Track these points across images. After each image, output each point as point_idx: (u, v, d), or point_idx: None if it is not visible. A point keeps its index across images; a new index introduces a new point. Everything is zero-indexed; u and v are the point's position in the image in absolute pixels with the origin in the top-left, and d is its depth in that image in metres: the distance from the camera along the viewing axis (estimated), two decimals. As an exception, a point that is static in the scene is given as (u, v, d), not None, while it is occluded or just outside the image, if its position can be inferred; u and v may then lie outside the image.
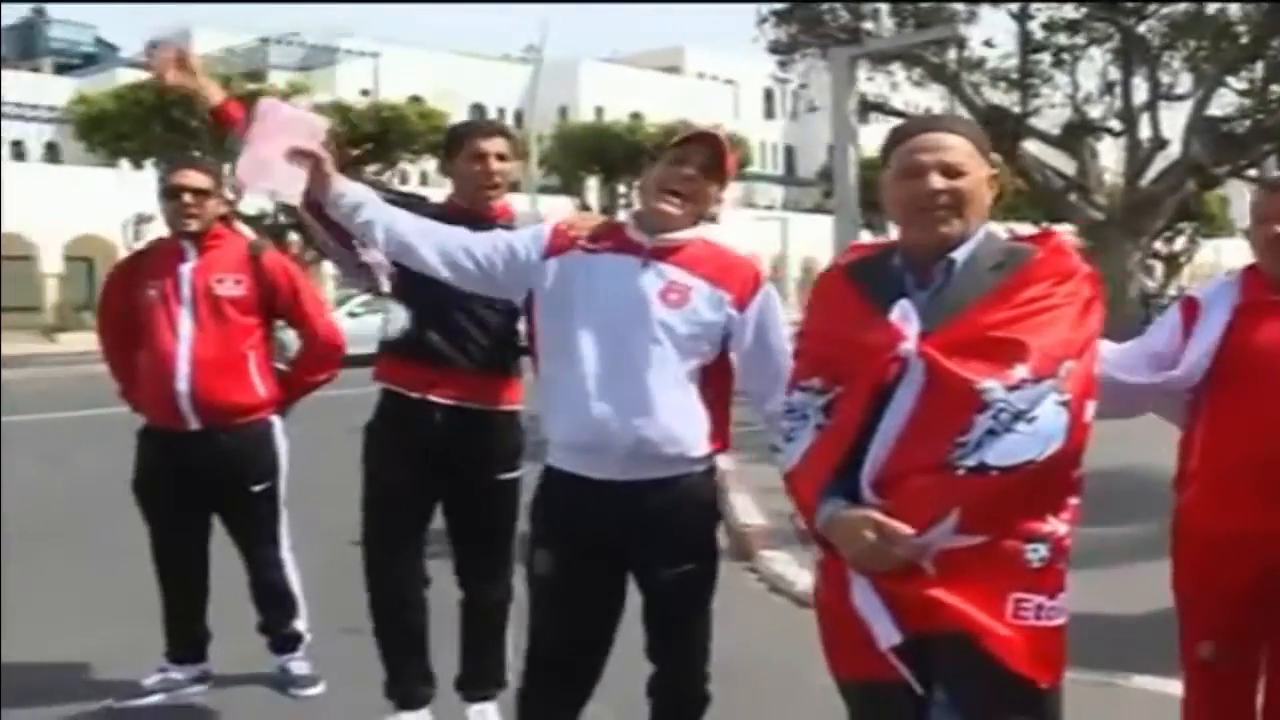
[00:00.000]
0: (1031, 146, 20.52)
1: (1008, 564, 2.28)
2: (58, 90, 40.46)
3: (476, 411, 3.74)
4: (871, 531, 2.26)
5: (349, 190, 2.99)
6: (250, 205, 20.09)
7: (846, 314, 2.43)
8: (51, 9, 54.81)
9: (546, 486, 3.10)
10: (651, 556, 3.04)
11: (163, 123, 26.39)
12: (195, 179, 4.36)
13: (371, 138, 29.80)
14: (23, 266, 32.83)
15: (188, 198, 4.32)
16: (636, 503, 2.96)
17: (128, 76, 31.64)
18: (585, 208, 34.85)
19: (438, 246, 3.02)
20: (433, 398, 3.70)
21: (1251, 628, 2.87)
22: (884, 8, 19.52)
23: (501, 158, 3.72)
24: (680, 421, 2.94)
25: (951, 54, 19.60)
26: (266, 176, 3.00)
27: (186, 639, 4.60)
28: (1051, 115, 21.00)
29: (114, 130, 26.99)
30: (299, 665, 4.61)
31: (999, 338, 2.26)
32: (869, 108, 20.16)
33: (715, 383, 3.05)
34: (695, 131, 3.03)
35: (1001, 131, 17.19)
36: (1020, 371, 2.24)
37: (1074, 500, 2.38)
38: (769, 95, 28.51)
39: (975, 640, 2.27)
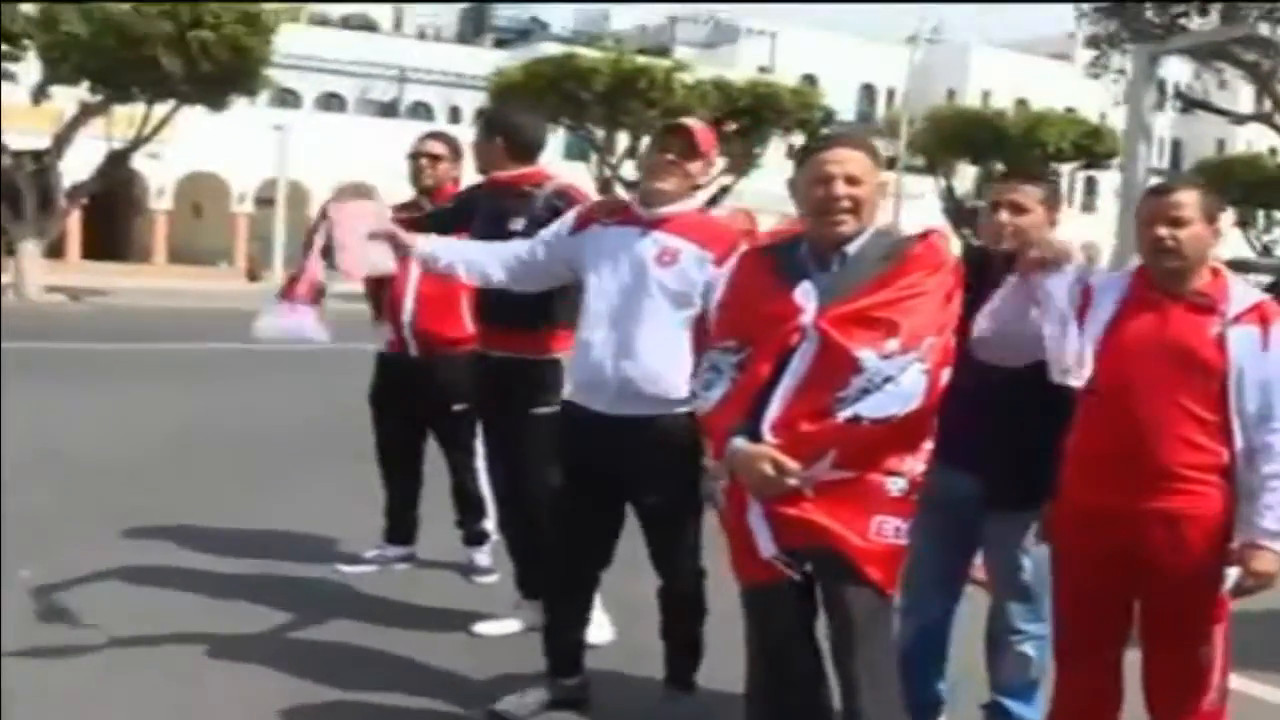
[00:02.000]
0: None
1: (874, 493, 2.80)
2: (493, 63, 45.17)
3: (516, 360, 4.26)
4: (768, 464, 2.74)
5: (429, 247, 3.70)
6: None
7: (760, 289, 2.91)
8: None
9: (561, 416, 3.77)
10: (636, 483, 3.58)
11: (558, 93, 29.18)
12: (433, 147, 5.15)
13: (746, 112, 31.36)
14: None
15: (424, 162, 5.13)
16: (624, 435, 3.49)
17: (552, 49, 34.59)
18: (950, 190, 35.15)
19: (503, 264, 3.71)
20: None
21: (1113, 589, 3.07)
22: (1215, 6, 18.93)
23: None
24: (662, 365, 3.45)
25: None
26: (364, 263, 3.68)
27: (399, 525, 5.47)
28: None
29: (520, 99, 29.96)
30: (482, 557, 5.38)
31: (877, 316, 2.75)
32: (1191, 104, 19.63)
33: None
34: (672, 123, 3.64)
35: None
36: (891, 345, 2.72)
37: (928, 444, 2.89)
38: (1161, 87, 27.70)
39: (840, 552, 2.79)
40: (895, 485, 2.82)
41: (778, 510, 2.80)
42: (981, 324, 3.15)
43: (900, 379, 2.72)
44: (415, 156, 5.17)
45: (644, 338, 3.46)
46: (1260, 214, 40.50)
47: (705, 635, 3.79)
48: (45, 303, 21.73)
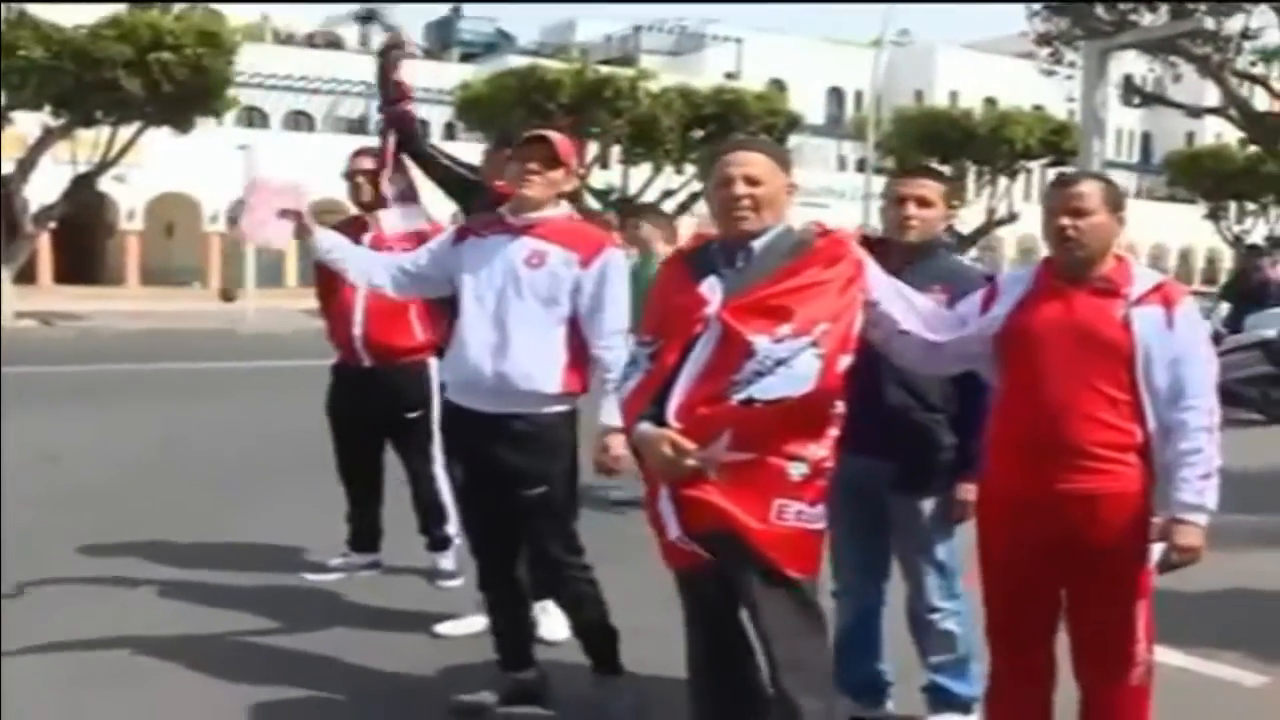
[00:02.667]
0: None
1: (773, 477, 2.87)
2: (459, 77, 45.26)
3: None
4: (667, 446, 2.87)
5: (325, 238, 3.88)
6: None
7: (674, 285, 3.08)
8: (467, 7, 60.29)
9: (442, 418, 3.94)
10: (515, 477, 3.67)
11: (525, 106, 29.25)
12: (366, 163, 5.04)
13: (713, 119, 31.50)
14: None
15: (360, 179, 5.11)
16: (501, 431, 3.64)
17: (518, 63, 34.72)
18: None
19: (387, 272, 3.90)
20: None
21: (1039, 575, 3.13)
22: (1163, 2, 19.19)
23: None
24: (535, 363, 3.59)
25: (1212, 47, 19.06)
26: (261, 232, 3.93)
27: (362, 532, 5.56)
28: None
29: (486, 112, 30.11)
30: (446, 561, 5.43)
31: (773, 305, 2.88)
32: (1147, 99, 19.87)
33: (579, 334, 3.67)
34: (533, 134, 3.71)
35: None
36: (783, 330, 2.84)
37: (833, 431, 2.97)
38: (1128, 81, 27.94)
39: (739, 535, 2.88)
40: (796, 470, 2.89)
41: (683, 494, 2.91)
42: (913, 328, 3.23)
43: (792, 362, 2.83)
44: (350, 175, 5.20)
45: (517, 337, 3.61)
46: (1232, 205, 40.84)
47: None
48: (16, 329, 21.61)
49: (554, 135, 3.71)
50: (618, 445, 3.49)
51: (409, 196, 4.82)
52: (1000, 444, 3.16)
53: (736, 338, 2.87)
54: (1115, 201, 3.11)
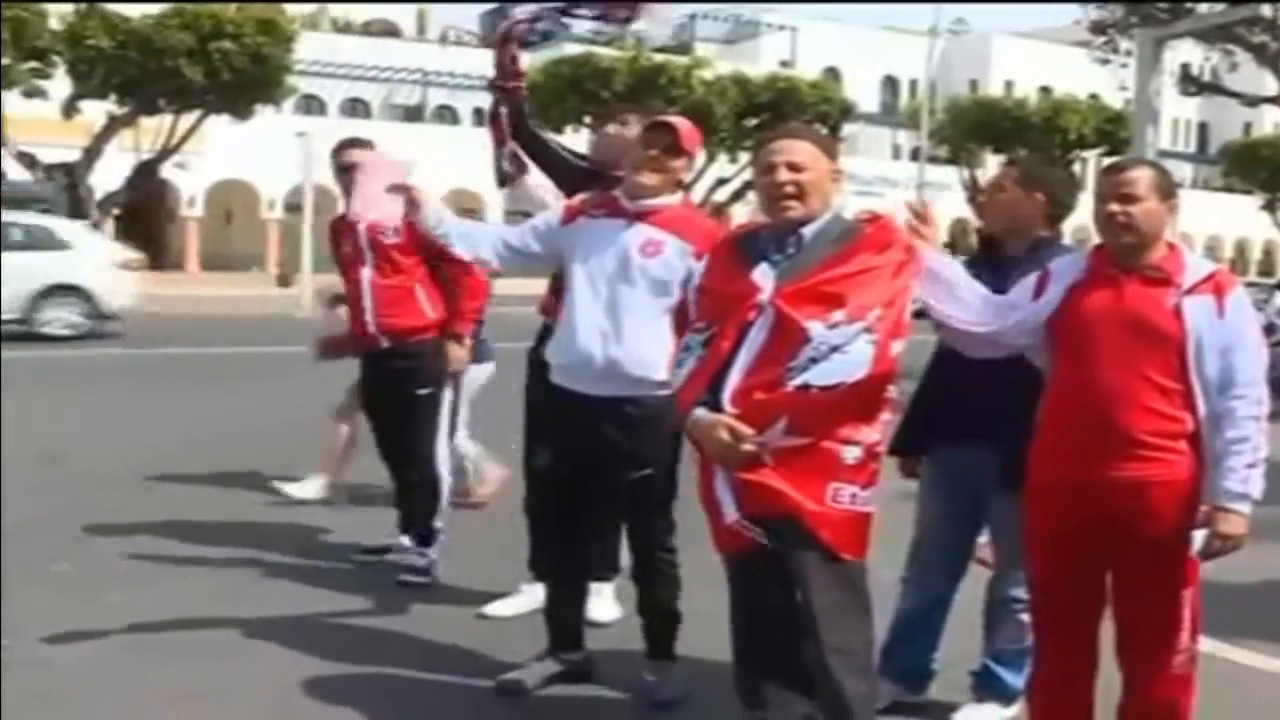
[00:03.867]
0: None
1: (828, 461, 2.93)
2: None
3: None
4: (724, 432, 2.91)
5: (433, 213, 3.82)
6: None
7: (726, 272, 3.12)
8: (521, -7, 60.41)
9: (546, 398, 3.92)
10: (617, 460, 3.72)
11: (580, 94, 29.49)
12: (355, 155, 5.03)
13: (767, 107, 31.51)
14: (474, 217, 37.40)
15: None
16: (607, 414, 3.68)
17: (573, 51, 34.87)
18: (974, 179, 35.15)
19: (492, 245, 3.87)
20: None
21: (1086, 562, 3.13)
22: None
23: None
24: (646, 348, 3.59)
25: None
26: (374, 207, 4.03)
27: (410, 515, 5.42)
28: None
29: (541, 100, 30.28)
30: (423, 559, 5.23)
31: (826, 291, 2.92)
32: (1203, 88, 19.62)
33: (683, 321, 3.51)
34: (657, 120, 3.78)
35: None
36: (837, 316, 2.89)
37: (885, 415, 3.02)
38: (1185, 68, 27.58)
39: (796, 516, 2.92)
40: (850, 454, 2.94)
41: (741, 478, 2.96)
42: (959, 319, 3.26)
43: (847, 348, 2.88)
44: (342, 169, 5.22)
45: (628, 323, 3.63)
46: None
47: (686, 605, 3.92)
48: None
49: (679, 122, 3.72)
50: None
51: (519, 178, 4.67)
52: (1051, 430, 3.16)
53: (791, 324, 2.91)
54: (1166, 189, 3.11)
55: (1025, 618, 3.58)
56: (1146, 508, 3.01)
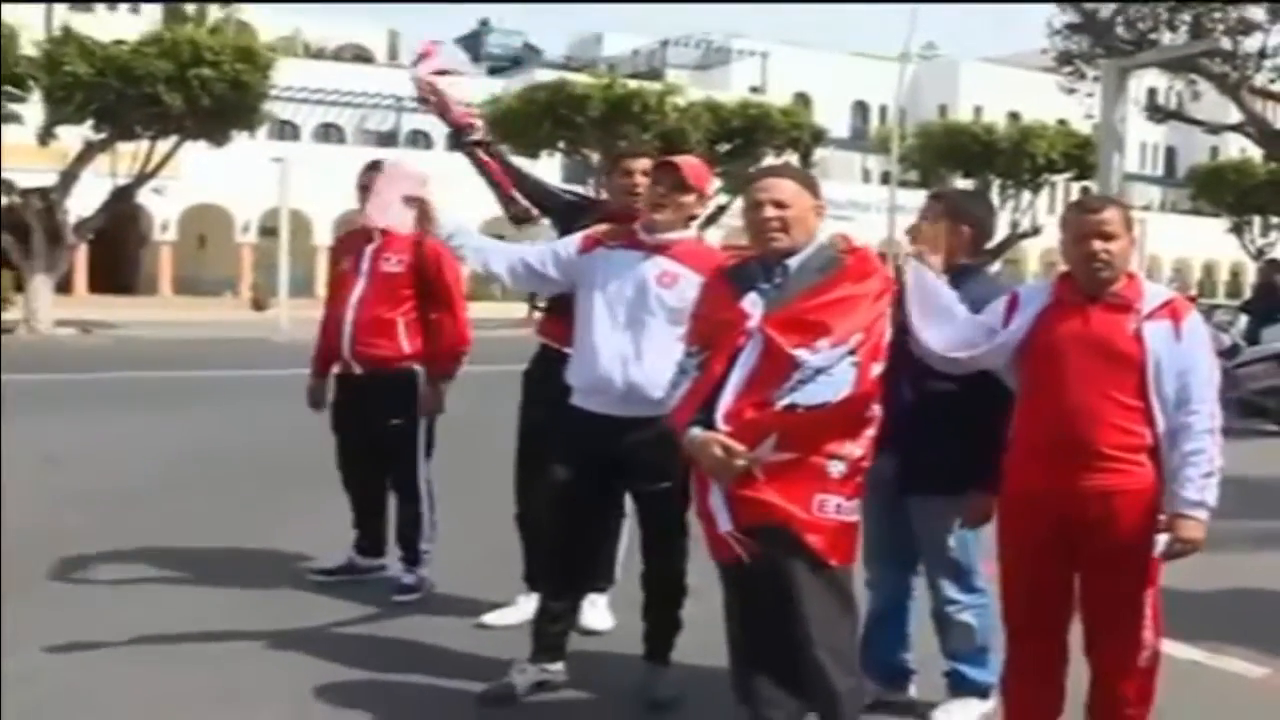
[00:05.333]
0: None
1: (815, 474, 3.17)
2: (488, 90, 45.59)
3: None
4: (718, 449, 3.16)
5: (447, 224, 3.99)
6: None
7: (718, 300, 3.38)
8: (495, 19, 60.66)
9: (565, 418, 4.04)
10: (636, 476, 3.98)
11: (553, 119, 29.61)
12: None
13: (739, 132, 31.77)
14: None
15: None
16: (626, 433, 3.89)
17: (545, 76, 35.04)
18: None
19: (506, 261, 4.02)
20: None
21: (1057, 566, 3.37)
22: (1184, 22, 19.38)
23: (645, 174, 4.32)
24: (664, 372, 3.65)
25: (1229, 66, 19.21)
26: (388, 215, 4.14)
27: (369, 537, 5.57)
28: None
29: (516, 125, 30.39)
30: (411, 577, 5.31)
31: (811, 320, 3.19)
32: (1168, 116, 20.10)
33: None
34: (663, 161, 4.03)
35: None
36: (823, 343, 3.15)
37: (869, 432, 3.26)
38: (1152, 95, 28.09)
39: (785, 524, 3.16)
40: (835, 467, 3.19)
41: (734, 492, 3.20)
42: (935, 341, 3.55)
43: (831, 370, 3.14)
44: (364, 188, 5.11)
45: (647, 348, 3.86)
46: (1255, 219, 40.81)
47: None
48: (57, 336, 22.11)
49: (682, 162, 3.97)
50: None
51: (527, 219, 4.87)
52: (1022, 444, 3.42)
53: (779, 351, 3.16)
54: (1130, 223, 3.42)
55: (967, 618, 3.89)
56: (1111, 515, 3.27)
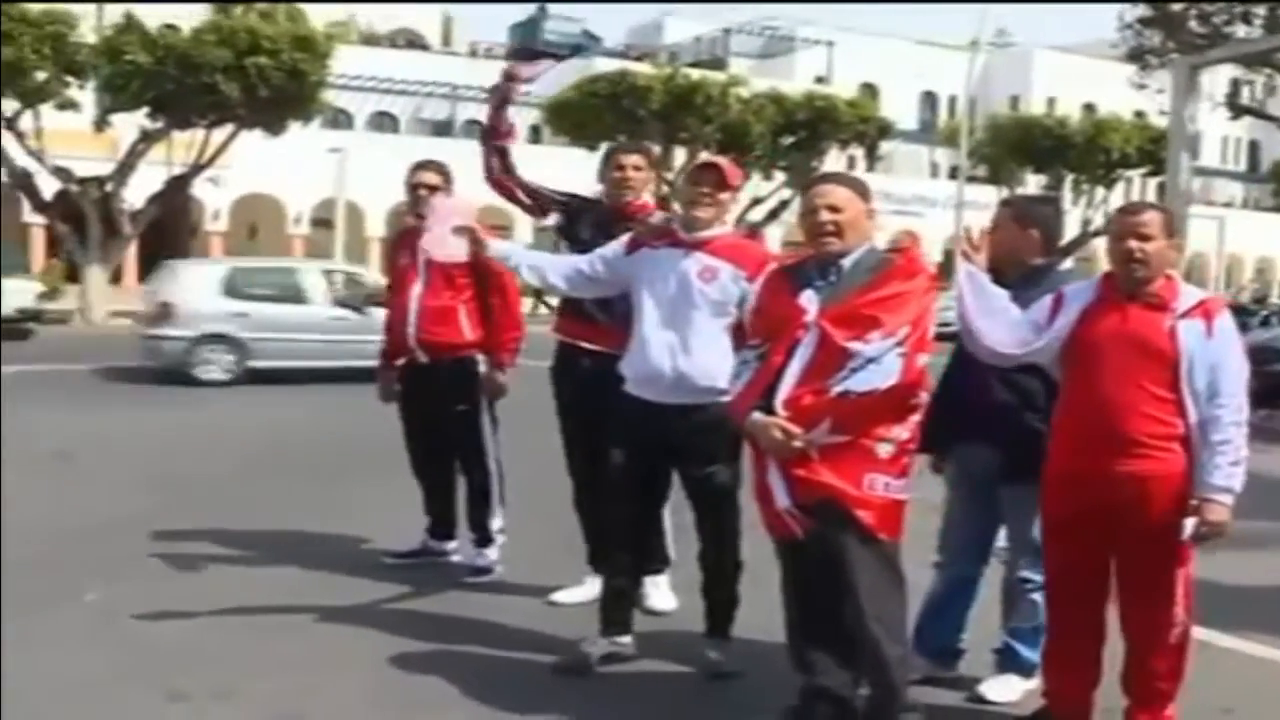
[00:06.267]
0: None
1: (865, 455, 3.53)
2: (547, 78, 44.95)
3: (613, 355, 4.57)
4: (777, 431, 3.52)
5: (499, 247, 4.36)
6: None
7: (777, 297, 3.72)
8: (553, 6, 60.37)
9: (620, 406, 4.31)
10: (688, 460, 4.27)
11: (614, 111, 29.02)
12: (428, 177, 5.43)
13: (804, 125, 31.06)
14: (504, 235, 36.99)
15: (422, 192, 5.39)
16: (677, 419, 4.18)
17: (606, 65, 34.44)
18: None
19: (560, 272, 4.39)
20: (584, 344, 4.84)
21: (1093, 547, 3.68)
22: (1260, 10, 18.53)
23: (637, 168, 4.77)
24: (711, 362, 4.09)
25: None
26: (443, 246, 4.43)
27: (439, 520, 5.83)
28: None
29: (575, 117, 29.93)
30: (484, 559, 5.58)
31: (864, 314, 3.52)
32: (1245, 112, 19.26)
33: (741, 336, 4.08)
34: (705, 162, 4.31)
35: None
36: (874, 335, 3.49)
37: (915, 417, 3.61)
38: (1235, 87, 27.02)
39: (838, 500, 3.51)
40: (883, 449, 3.54)
41: (791, 471, 3.55)
42: (989, 338, 3.75)
43: (881, 360, 3.48)
44: (414, 188, 5.51)
45: (693, 340, 4.15)
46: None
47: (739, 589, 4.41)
48: (112, 327, 21.82)
49: (723, 162, 4.28)
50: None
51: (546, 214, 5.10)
52: (1063, 431, 3.71)
53: (833, 344, 3.50)
54: (1171, 229, 3.66)
55: (1037, 597, 4.04)
56: (1144, 497, 3.55)
